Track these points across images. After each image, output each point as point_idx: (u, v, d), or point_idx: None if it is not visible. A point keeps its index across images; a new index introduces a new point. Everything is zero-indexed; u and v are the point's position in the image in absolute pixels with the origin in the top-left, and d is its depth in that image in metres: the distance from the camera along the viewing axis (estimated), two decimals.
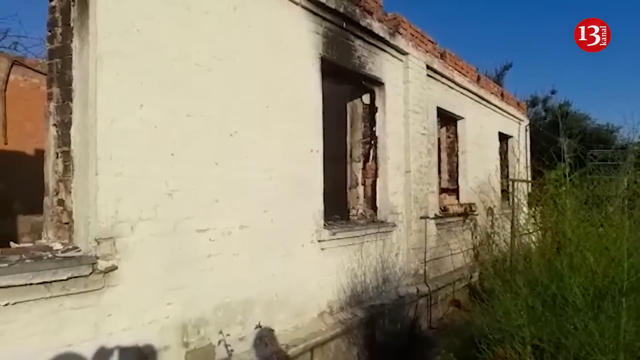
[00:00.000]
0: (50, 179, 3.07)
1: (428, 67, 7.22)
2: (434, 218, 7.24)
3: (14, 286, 2.44)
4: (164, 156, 3.28)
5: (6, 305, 2.43)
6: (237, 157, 3.85)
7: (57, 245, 2.88)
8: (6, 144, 7.19)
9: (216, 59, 3.70)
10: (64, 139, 3.02)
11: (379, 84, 6.14)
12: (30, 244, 3.02)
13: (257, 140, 4.07)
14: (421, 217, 6.72)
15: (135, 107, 3.11)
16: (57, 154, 3.06)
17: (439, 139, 8.50)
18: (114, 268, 2.88)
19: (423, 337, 6.25)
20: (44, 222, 3.11)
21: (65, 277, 2.63)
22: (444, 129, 9.09)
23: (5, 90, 7.12)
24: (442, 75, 7.84)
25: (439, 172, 8.48)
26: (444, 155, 9.09)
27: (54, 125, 3.07)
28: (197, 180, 3.51)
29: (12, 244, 3.00)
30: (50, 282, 2.59)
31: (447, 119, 8.80)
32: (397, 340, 5.63)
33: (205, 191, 3.56)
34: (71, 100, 3.00)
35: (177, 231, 3.33)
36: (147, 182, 3.15)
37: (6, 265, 2.46)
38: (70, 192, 3.00)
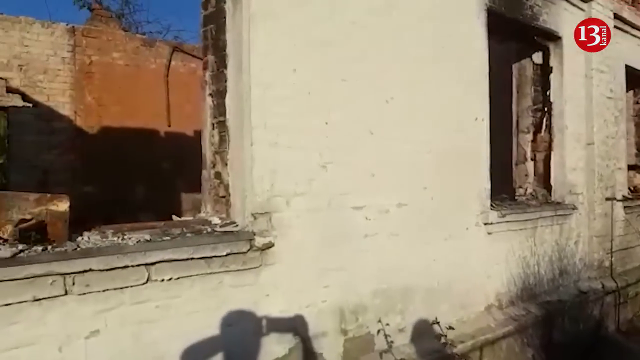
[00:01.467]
0: (207, 151, 2.98)
1: (616, 17, 5.89)
2: (622, 200, 5.96)
3: (177, 260, 2.35)
4: (318, 125, 2.99)
5: (170, 279, 2.35)
6: (394, 126, 3.41)
7: (215, 220, 2.77)
8: (169, 126, 7.82)
9: (372, 15, 3.27)
10: (220, 109, 2.89)
11: (555, 38, 5.13)
12: (190, 218, 2.97)
13: (416, 107, 3.57)
14: (607, 199, 5.55)
15: (288, 71, 2.85)
16: (213, 124, 2.95)
17: None
18: (270, 245, 2.68)
19: (611, 340, 5.19)
20: (202, 196, 3.05)
21: (224, 253, 2.49)
22: (630, 92, 7.48)
23: (167, 75, 7.72)
24: (633, 26, 6.37)
25: None
26: (630, 125, 7.50)
27: (210, 94, 2.96)
28: (352, 151, 3.16)
29: (174, 217, 2.99)
30: (210, 257, 2.46)
31: (636, 81, 7.19)
32: (578, 342, 4.71)
33: (360, 164, 3.20)
34: (225, 67, 2.84)
35: (332, 208, 3.03)
36: (302, 154, 2.89)
37: (169, 238, 2.38)
38: (226, 164, 2.86)
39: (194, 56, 7.93)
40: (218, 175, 2.93)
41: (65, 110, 7.27)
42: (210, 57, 2.94)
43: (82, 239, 2.22)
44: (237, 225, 2.69)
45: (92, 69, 7.41)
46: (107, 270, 2.14)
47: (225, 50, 2.84)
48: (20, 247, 1.91)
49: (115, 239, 2.26)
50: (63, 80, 7.22)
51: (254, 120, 2.68)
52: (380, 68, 3.34)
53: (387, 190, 3.35)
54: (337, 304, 3.01)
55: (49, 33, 7.08)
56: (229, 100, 2.84)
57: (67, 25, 7.28)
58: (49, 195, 2.05)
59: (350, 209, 3.13)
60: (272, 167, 2.75)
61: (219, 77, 2.89)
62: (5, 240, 1.92)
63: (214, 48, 2.92)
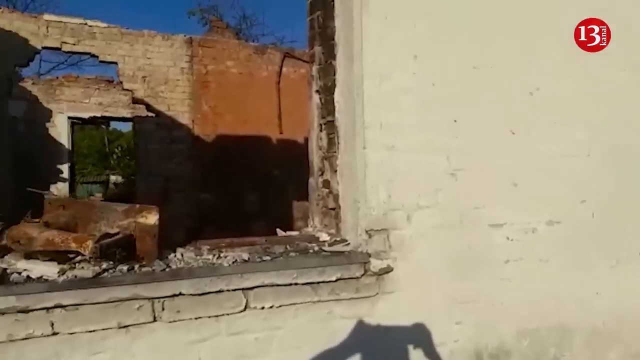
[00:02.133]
0: (315, 156, 2.61)
1: None
2: None
3: (278, 285, 1.99)
4: (444, 123, 2.45)
5: (271, 307, 2.00)
6: (540, 124, 2.73)
7: (324, 236, 2.37)
8: (281, 132, 7.74)
9: None
10: (328, 107, 2.50)
11: None
12: (296, 233, 2.62)
13: (569, 100, 2.84)
14: None
15: (407, 59, 2.37)
16: (321, 125, 2.56)
17: None
18: (389, 270, 2.21)
19: None
20: (310, 207, 2.68)
21: (333, 278, 2.08)
22: None
23: (279, 82, 7.66)
24: None
25: None
26: None
27: (317, 91, 2.58)
28: (487, 155, 2.56)
29: (278, 230, 2.65)
30: (317, 283, 2.07)
31: None
32: None
33: (498, 171, 2.59)
34: (334, 57, 2.44)
35: (463, 225, 2.46)
36: (425, 158, 2.38)
37: (269, 258, 2.03)
38: (335, 171, 2.46)
39: (304, 61, 7.77)
40: (327, 183, 2.53)
41: (184, 119, 7.56)
42: (317, 49, 2.57)
43: (175, 256, 1.95)
44: (348, 244, 2.25)
45: (208, 78, 7.63)
46: (199, 295, 1.85)
47: (333, 39, 2.44)
48: (104, 266, 1.67)
49: (210, 257, 1.97)
50: (182, 90, 7.52)
51: (367, 119, 2.25)
52: (521, 52, 2.70)
53: (534, 204, 2.67)
54: (473, 345, 2.42)
55: (168, 45, 7.44)
56: (338, 96, 2.43)
57: (185, 36, 7.60)
58: (138, 206, 1.81)
59: (487, 226, 2.53)
60: (389, 175, 2.28)
61: (327, 70, 2.50)
62: (91, 258, 1.70)
63: (321, 37, 2.54)
